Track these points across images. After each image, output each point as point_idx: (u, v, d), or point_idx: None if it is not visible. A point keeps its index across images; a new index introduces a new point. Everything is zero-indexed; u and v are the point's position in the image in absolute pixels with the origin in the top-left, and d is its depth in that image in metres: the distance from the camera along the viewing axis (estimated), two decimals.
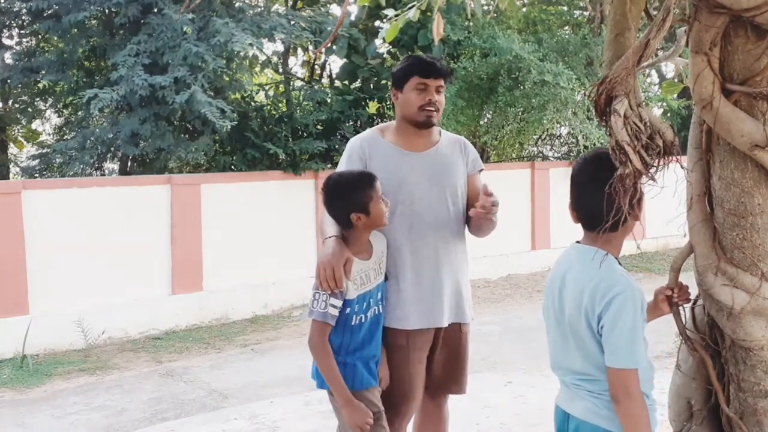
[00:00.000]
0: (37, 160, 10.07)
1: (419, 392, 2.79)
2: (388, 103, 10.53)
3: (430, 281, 2.74)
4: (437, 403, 2.94)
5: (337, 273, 2.43)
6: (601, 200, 1.86)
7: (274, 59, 11.04)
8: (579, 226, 2.06)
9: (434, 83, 2.76)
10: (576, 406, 1.99)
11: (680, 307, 2.11)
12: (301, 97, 9.98)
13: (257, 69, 11.17)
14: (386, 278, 2.71)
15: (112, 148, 9.21)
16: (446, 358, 2.85)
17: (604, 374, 1.91)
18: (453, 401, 3.03)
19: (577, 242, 2.07)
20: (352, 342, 2.55)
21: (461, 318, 2.85)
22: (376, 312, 2.62)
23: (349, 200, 2.54)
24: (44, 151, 10.39)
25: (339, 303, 2.47)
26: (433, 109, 2.76)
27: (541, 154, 12.79)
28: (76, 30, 8.82)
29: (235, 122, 8.29)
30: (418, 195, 2.75)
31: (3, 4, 9.06)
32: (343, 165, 2.83)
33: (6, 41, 9.77)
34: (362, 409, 2.48)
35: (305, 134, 9.31)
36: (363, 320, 2.55)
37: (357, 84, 10.35)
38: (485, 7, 10.20)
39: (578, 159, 2.06)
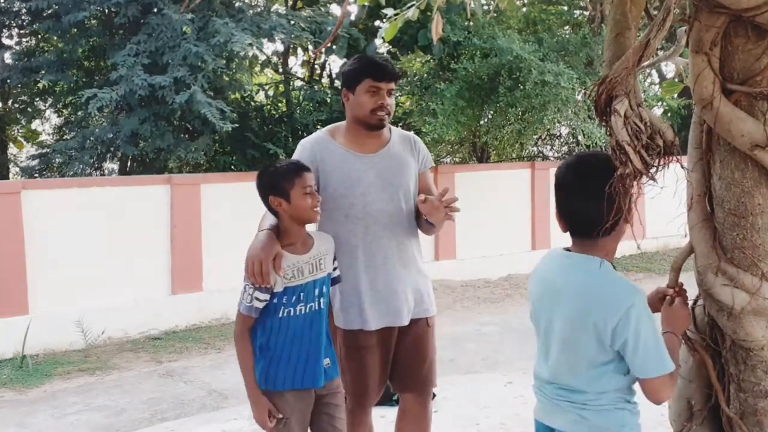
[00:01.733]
0: (37, 160, 10.07)
1: (380, 387, 2.87)
2: None
3: (386, 282, 2.77)
4: (421, 401, 2.94)
5: (264, 268, 2.41)
6: (594, 205, 1.82)
7: (274, 59, 11.05)
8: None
9: (386, 86, 2.78)
10: (558, 419, 1.95)
11: None
12: (301, 97, 9.98)
13: (257, 69, 11.17)
14: (338, 280, 2.71)
15: (112, 148, 9.22)
16: (417, 353, 2.87)
17: (593, 387, 1.88)
18: (453, 401, 3.03)
19: (566, 249, 2.00)
20: (284, 336, 2.51)
21: (425, 313, 2.89)
22: (312, 309, 2.55)
23: (270, 183, 2.54)
24: (44, 151, 10.40)
25: (265, 296, 2.46)
26: (384, 112, 2.78)
27: (541, 154, 12.80)
28: (75, 30, 8.83)
29: (237, 125, 8.30)
30: (371, 197, 2.77)
31: (3, 4, 9.06)
32: None
33: (6, 41, 9.77)
34: (264, 407, 2.53)
35: (305, 134, 9.26)
36: (291, 313, 2.51)
37: None
38: (485, 7, 10.20)
39: (560, 165, 2.00)
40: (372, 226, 2.77)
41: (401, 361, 2.87)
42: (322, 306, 2.59)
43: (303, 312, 2.53)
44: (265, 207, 2.60)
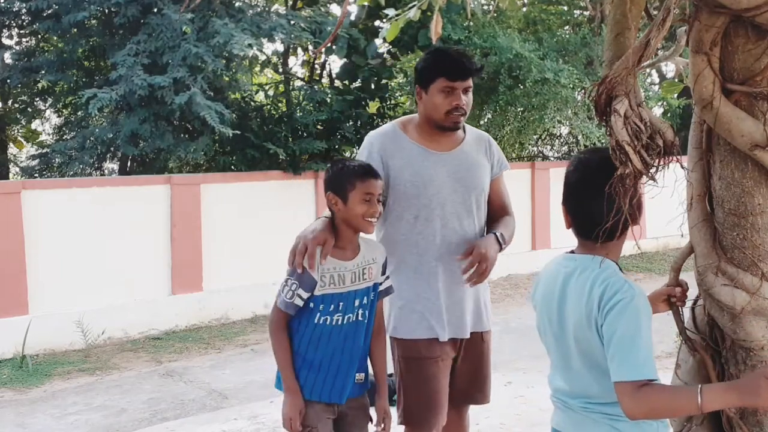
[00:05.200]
0: (37, 160, 10.07)
1: (444, 406, 2.67)
2: (389, 103, 10.53)
3: (454, 290, 2.62)
4: (460, 413, 2.82)
5: (310, 249, 2.28)
6: (599, 205, 1.77)
7: (274, 59, 11.05)
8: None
9: (462, 85, 2.57)
10: (589, 431, 1.85)
11: (680, 307, 2.10)
12: (301, 97, 9.98)
13: (257, 69, 11.17)
14: (389, 292, 2.54)
15: (112, 148, 9.22)
16: (469, 368, 2.74)
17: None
18: None
19: (571, 252, 1.94)
20: (316, 345, 2.38)
21: (482, 326, 2.74)
22: (350, 320, 2.40)
23: (333, 179, 2.40)
24: (44, 151, 10.38)
25: (306, 294, 2.34)
26: (460, 113, 2.59)
27: (541, 154, 12.79)
28: (75, 30, 8.83)
29: (237, 131, 8.32)
30: (443, 198, 2.61)
31: (3, 4, 9.05)
32: (363, 160, 2.63)
33: (6, 41, 9.77)
34: (297, 405, 2.37)
35: (305, 134, 9.31)
36: (327, 322, 2.37)
37: (357, 84, 10.35)
38: (485, 7, 10.20)
39: (573, 159, 1.93)
40: (442, 229, 2.61)
41: (456, 377, 2.72)
42: (361, 318, 2.42)
43: (340, 323, 2.38)
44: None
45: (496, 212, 2.82)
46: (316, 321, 2.37)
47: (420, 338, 2.60)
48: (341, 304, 2.38)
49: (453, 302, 2.62)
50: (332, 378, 2.40)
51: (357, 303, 2.41)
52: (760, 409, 1.82)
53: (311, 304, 2.36)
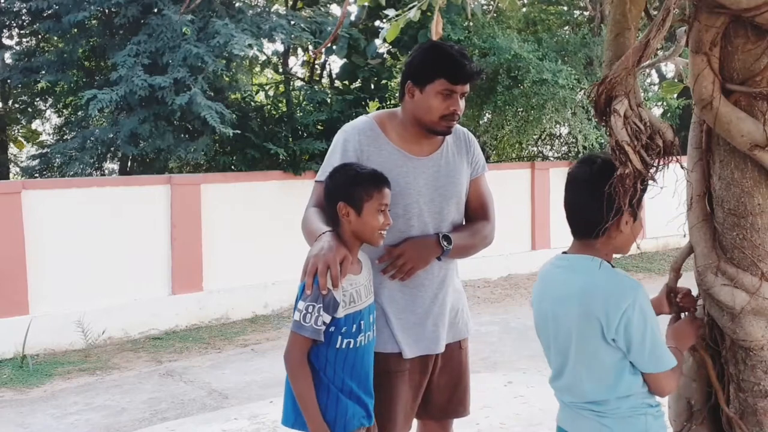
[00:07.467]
0: (37, 160, 10.07)
1: (408, 423, 2.54)
2: (389, 103, 10.53)
3: (423, 304, 2.48)
4: (443, 427, 2.68)
5: (334, 270, 2.06)
6: (599, 205, 1.80)
7: (274, 60, 11.05)
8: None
9: (461, 89, 2.38)
10: (581, 426, 1.93)
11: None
12: (301, 98, 9.98)
13: (257, 69, 11.17)
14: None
15: (112, 148, 9.22)
16: (447, 380, 2.59)
17: (613, 393, 1.86)
18: None
19: (564, 253, 1.99)
20: (345, 371, 2.19)
21: (458, 335, 2.61)
22: (369, 338, 2.26)
23: (345, 188, 2.21)
24: (44, 151, 10.38)
25: (328, 319, 2.14)
26: (455, 119, 2.42)
27: (541, 154, 12.79)
28: (76, 30, 8.83)
29: (238, 131, 8.32)
30: (419, 208, 2.45)
31: (3, 4, 9.06)
32: (336, 158, 2.42)
33: (6, 41, 9.78)
34: None
35: (305, 134, 9.31)
36: (351, 345, 2.19)
37: (357, 84, 10.36)
38: (485, 7, 10.20)
39: (576, 161, 1.99)
40: None
41: (434, 391, 2.57)
42: (374, 336, 2.29)
43: (363, 343, 2.22)
44: (327, 211, 2.26)
45: (472, 215, 2.63)
46: (337, 346, 2.18)
47: (388, 352, 2.44)
48: (362, 322, 2.22)
49: (424, 316, 2.48)
50: (364, 401, 2.25)
51: (371, 318, 2.28)
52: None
53: (332, 328, 2.16)
